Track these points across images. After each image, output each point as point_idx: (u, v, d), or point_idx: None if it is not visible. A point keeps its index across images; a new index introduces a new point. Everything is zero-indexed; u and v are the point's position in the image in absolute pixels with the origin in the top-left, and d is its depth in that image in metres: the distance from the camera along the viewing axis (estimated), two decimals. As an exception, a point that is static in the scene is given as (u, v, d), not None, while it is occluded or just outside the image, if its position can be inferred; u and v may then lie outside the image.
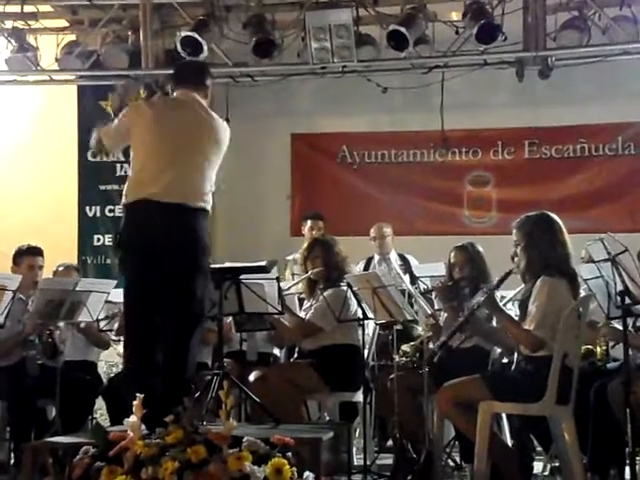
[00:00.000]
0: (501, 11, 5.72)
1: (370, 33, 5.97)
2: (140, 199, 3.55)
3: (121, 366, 5.55)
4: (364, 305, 4.51)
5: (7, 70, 6.22)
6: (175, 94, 3.77)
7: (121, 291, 4.91)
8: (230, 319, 4.81)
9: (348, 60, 5.93)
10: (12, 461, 4.65)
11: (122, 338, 5.24)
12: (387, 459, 4.63)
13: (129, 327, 3.68)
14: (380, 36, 5.86)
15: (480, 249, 4.43)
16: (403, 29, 5.61)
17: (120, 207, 6.80)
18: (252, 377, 4.52)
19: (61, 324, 4.64)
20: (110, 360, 5.81)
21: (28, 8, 6.14)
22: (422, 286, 4.93)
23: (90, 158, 6.91)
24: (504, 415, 4.05)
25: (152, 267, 3.56)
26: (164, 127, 3.59)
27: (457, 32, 5.87)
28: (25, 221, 6.75)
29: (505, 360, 4.24)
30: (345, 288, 4.59)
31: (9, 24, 6.14)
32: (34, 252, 4.90)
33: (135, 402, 2.89)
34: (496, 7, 5.73)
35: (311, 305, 4.73)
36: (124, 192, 3.66)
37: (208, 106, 3.79)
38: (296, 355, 4.83)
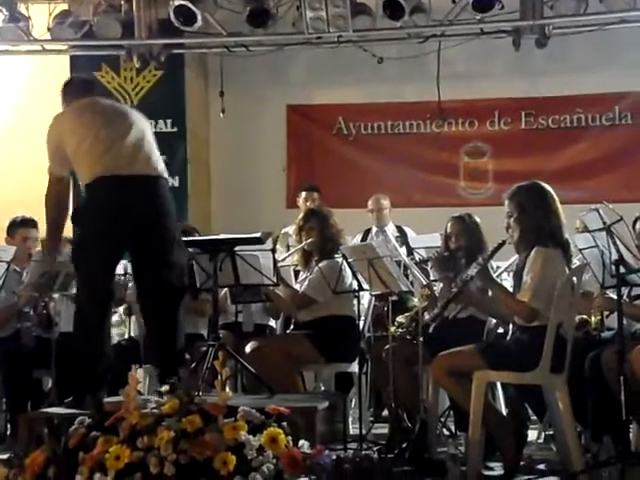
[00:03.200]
0: (498, -21, 5.66)
1: (366, 2, 5.91)
2: (97, 177, 3.61)
3: (117, 338, 5.58)
4: (359, 276, 4.51)
5: (-2, 40, 6.16)
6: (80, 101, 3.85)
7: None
8: (225, 290, 4.81)
9: (343, 30, 5.88)
10: (8, 431, 4.67)
11: (118, 309, 5.27)
12: (382, 428, 4.66)
13: (82, 299, 3.72)
14: (376, 5, 5.81)
15: (477, 220, 4.42)
16: (399, -3, 5.56)
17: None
18: (248, 348, 4.53)
19: (56, 296, 4.64)
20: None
21: (19, -24, 6.07)
22: (418, 257, 4.92)
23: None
24: (499, 384, 4.07)
25: (119, 244, 3.65)
26: (87, 118, 3.73)
27: (454, 1, 5.82)
28: (17, 193, 6.70)
29: (500, 330, 4.26)
30: (340, 260, 4.58)
31: (0, -7, 6.07)
32: (28, 224, 4.88)
33: (130, 372, 2.90)
34: (493, -25, 5.67)
35: (306, 277, 4.73)
36: (80, 179, 3.72)
37: None
38: (292, 326, 4.84)
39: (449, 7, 5.86)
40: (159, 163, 3.75)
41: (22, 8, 6.12)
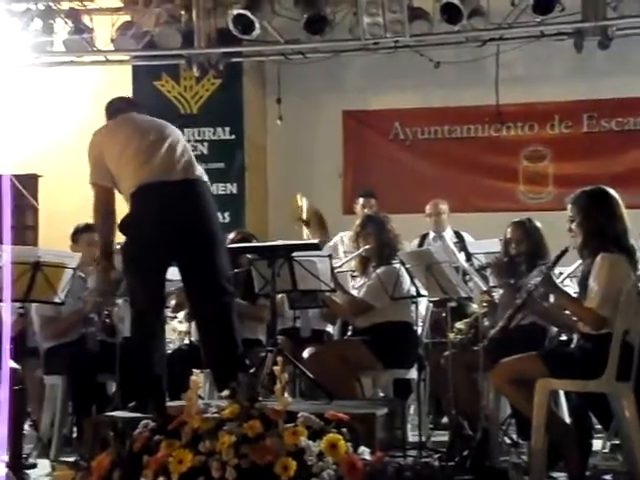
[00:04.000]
0: (558, -19, 5.58)
1: (423, 7, 5.88)
2: (140, 186, 3.68)
3: (178, 343, 5.66)
4: (417, 282, 4.48)
5: (64, 51, 6.32)
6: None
7: (177, 270, 5.03)
8: (283, 296, 4.84)
9: (400, 35, 5.86)
10: (74, 435, 4.78)
11: (178, 315, 5.36)
12: (442, 436, 4.62)
13: (135, 307, 3.80)
14: (433, 9, 5.77)
15: (538, 225, 4.36)
16: (457, 1, 5.52)
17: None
18: (306, 354, 4.54)
19: (119, 301, 4.73)
20: (167, 337, 5.88)
21: (83, -11, 6.24)
22: (477, 263, 4.87)
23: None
24: (561, 392, 3.99)
25: (165, 250, 3.70)
26: (125, 131, 3.84)
27: (513, 3, 5.75)
28: (83, 201, 6.85)
29: (563, 337, 4.18)
30: (398, 265, 4.56)
31: (65, 5, 6.23)
32: (92, 229, 4.97)
33: (192, 377, 2.94)
34: (554, -23, 5.58)
35: (363, 283, 4.72)
36: (123, 192, 3.79)
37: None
38: (349, 332, 4.84)
39: (508, 10, 5.79)
40: (198, 168, 3.82)
41: (86, 20, 6.27)
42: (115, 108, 4.06)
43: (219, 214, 4.31)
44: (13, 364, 4.21)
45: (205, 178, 3.83)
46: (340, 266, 4.84)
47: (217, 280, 3.72)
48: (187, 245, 3.70)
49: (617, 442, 3.93)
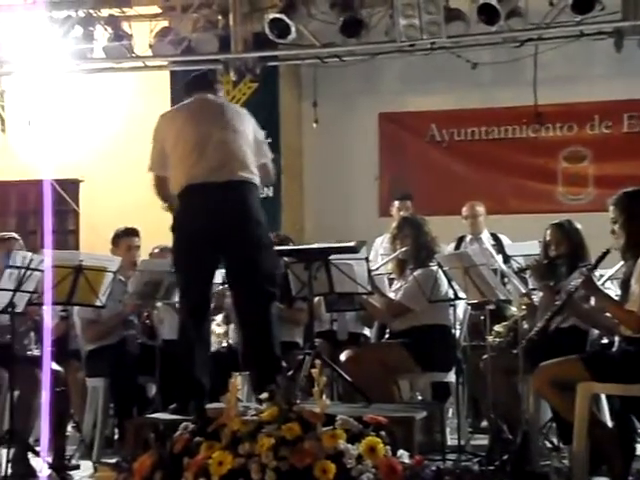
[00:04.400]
0: (598, -21, 5.49)
1: (460, 7, 5.84)
2: (186, 186, 3.68)
3: (216, 345, 5.70)
4: (455, 285, 4.46)
5: (104, 58, 6.41)
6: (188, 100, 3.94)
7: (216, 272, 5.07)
8: (320, 299, 4.85)
9: (437, 36, 5.82)
10: (116, 436, 4.85)
11: (216, 318, 5.40)
12: (481, 439, 4.59)
13: (182, 307, 3.82)
14: (470, 10, 5.72)
15: (578, 226, 4.31)
16: (494, 2, 5.47)
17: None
18: (343, 357, 4.54)
19: (159, 304, 4.78)
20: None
21: (122, -4, 6.32)
22: (515, 265, 4.83)
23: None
24: (603, 396, 3.94)
25: (212, 250, 3.69)
26: (184, 122, 3.78)
27: (551, 3, 5.68)
28: (122, 205, 6.98)
29: (604, 340, 4.12)
30: (435, 268, 4.54)
31: (105, 12, 6.32)
32: (131, 233, 5.05)
33: (231, 380, 2.96)
34: (593, -25, 5.51)
35: (401, 285, 4.71)
36: (173, 188, 3.79)
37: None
38: (387, 335, 4.83)
39: (547, 9, 5.72)
40: (248, 168, 3.72)
41: (125, 26, 6.35)
42: (189, 87, 3.99)
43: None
44: (56, 366, 4.30)
45: (255, 180, 3.74)
46: (377, 269, 4.83)
47: (259, 283, 3.70)
48: (229, 248, 3.70)
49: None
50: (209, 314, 3.90)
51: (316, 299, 4.71)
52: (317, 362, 3.19)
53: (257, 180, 3.77)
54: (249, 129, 3.83)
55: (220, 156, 3.69)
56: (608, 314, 3.74)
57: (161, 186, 3.86)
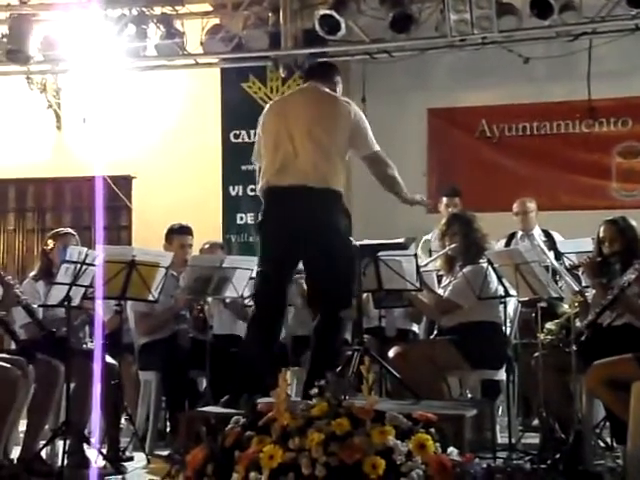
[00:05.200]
0: (656, -29, 5.37)
1: (512, 2, 5.77)
2: (266, 188, 3.70)
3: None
4: (505, 282, 4.41)
5: (156, 55, 6.50)
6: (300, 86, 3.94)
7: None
8: (368, 295, 4.84)
9: (488, 31, 5.75)
10: (168, 429, 4.92)
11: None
12: (532, 438, 4.53)
13: (258, 303, 3.81)
14: (523, 4, 5.65)
15: (632, 223, 4.22)
16: (548, -4, 5.39)
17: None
18: (391, 353, 4.54)
19: (209, 299, 4.84)
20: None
21: (175, -6, 6.39)
22: (567, 262, 4.76)
23: (232, 139, 7.14)
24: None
25: (285, 252, 3.69)
26: (276, 122, 3.74)
27: (606, -4, 5.57)
28: (174, 201, 7.08)
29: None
30: (485, 265, 4.51)
31: (158, 10, 6.41)
32: (185, 231, 5.12)
33: (280, 374, 2.98)
34: (650, -33, 5.39)
35: (450, 282, 4.68)
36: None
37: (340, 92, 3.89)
38: (435, 332, 4.81)
39: (601, 3, 5.62)
40: (326, 173, 3.64)
41: (177, 24, 6.43)
42: (307, 72, 4.01)
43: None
44: (110, 360, 4.39)
45: (334, 186, 3.65)
46: (426, 265, 4.81)
47: (327, 291, 3.66)
48: (301, 253, 3.69)
49: None
50: (283, 312, 3.85)
51: (364, 295, 4.71)
52: (366, 358, 3.19)
53: (336, 186, 3.66)
54: (343, 129, 3.69)
55: (294, 159, 3.63)
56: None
57: None
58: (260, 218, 3.81)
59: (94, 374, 4.08)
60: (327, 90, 3.82)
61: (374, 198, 7.23)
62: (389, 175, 3.87)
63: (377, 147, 3.87)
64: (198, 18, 6.44)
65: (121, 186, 7.36)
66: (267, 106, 3.92)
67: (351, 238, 3.82)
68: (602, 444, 4.18)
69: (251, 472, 2.73)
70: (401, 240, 4.10)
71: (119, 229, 7.64)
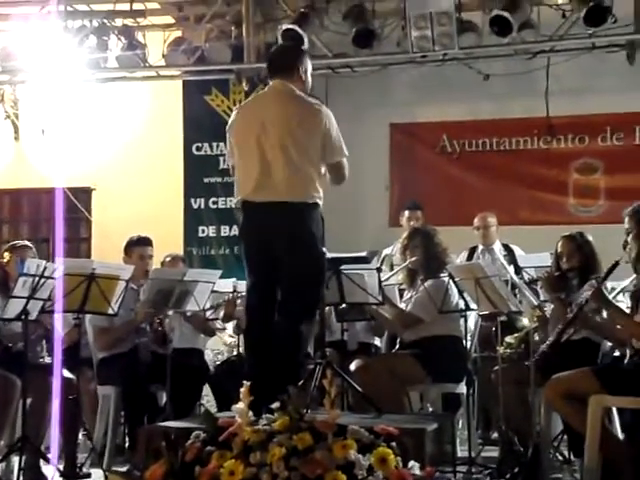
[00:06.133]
0: (611, -8, 5.50)
1: (472, 19, 5.86)
2: (241, 200, 3.68)
3: (227, 354, 5.71)
4: (466, 296, 4.46)
5: (117, 67, 6.45)
6: (268, 86, 3.80)
7: (226, 281, 5.09)
8: (331, 308, 4.85)
9: (449, 47, 5.84)
10: (127, 444, 4.85)
11: (227, 327, 5.41)
12: (492, 451, 4.56)
13: (248, 321, 3.78)
14: (483, 22, 5.74)
15: (590, 239, 4.30)
16: (507, 14, 5.48)
17: (223, 199, 7.09)
18: (353, 366, 4.54)
19: (170, 313, 4.79)
20: (216, 348, 5.96)
21: (137, 6, 6.36)
22: (527, 277, 4.82)
23: (195, 152, 7.12)
24: (614, 409, 3.92)
25: (264, 263, 3.67)
26: (246, 131, 3.64)
27: (564, 15, 5.69)
28: (134, 213, 7.02)
29: (616, 353, 4.11)
30: (446, 279, 4.54)
31: (119, 22, 6.37)
32: (144, 242, 5.07)
33: (242, 389, 2.96)
34: (606, -12, 5.51)
35: (411, 296, 4.71)
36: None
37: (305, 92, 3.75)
38: (397, 346, 4.82)
39: (559, 22, 5.73)
40: (295, 187, 3.57)
41: (139, 36, 6.40)
42: (268, 68, 3.76)
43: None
44: (68, 374, 4.32)
45: (309, 198, 3.57)
46: (388, 279, 4.84)
47: (292, 302, 3.61)
48: (277, 265, 3.63)
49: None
50: (270, 324, 3.70)
51: (327, 309, 4.71)
52: (328, 372, 3.19)
53: (311, 198, 3.60)
54: (317, 136, 3.61)
55: (265, 174, 3.56)
56: (619, 326, 3.73)
57: None
58: (239, 231, 3.80)
59: (51, 389, 4.01)
60: (297, 93, 3.70)
61: (336, 211, 7.29)
62: (340, 182, 3.88)
63: (346, 153, 3.80)
64: (160, 30, 6.42)
65: (80, 198, 7.28)
66: (235, 111, 3.85)
67: (324, 249, 3.77)
68: (560, 457, 4.22)
69: (212, 488, 2.71)
70: (364, 253, 4.12)
71: (78, 241, 7.56)
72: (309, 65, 3.82)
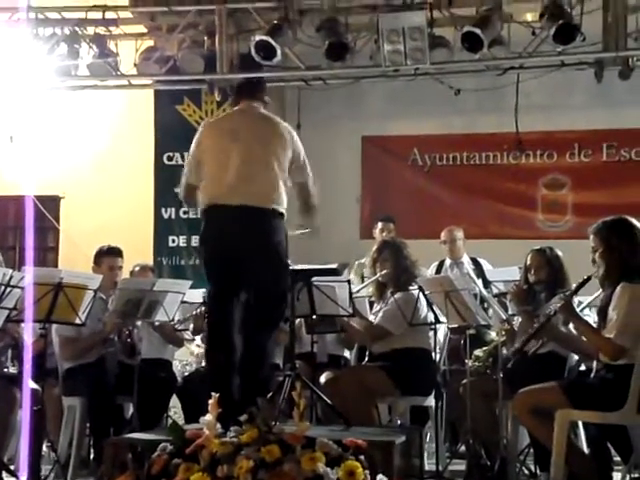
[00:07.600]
0: (580, 11, 5.59)
1: (444, 35, 5.92)
2: (208, 205, 3.67)
3: (195, 365, 5.66)
4: (435, 309, 4.48)
5: (89, 75, 6.40)
6: (237, 106, 3.91)
7: (196, 292, 5.05)
8: (301, 320, 4.84)
9: (421, 62, 5.88)
10: (92, 456, 4.78)
11: (196, 338, 5.37)
12: (459, 465, 4.58)
13: (210, 327, 3.76)
14: (454, 38, 5.79)
15: (558, 253, 4.35)
16: (478, 30, 5.54)
17: (194, 209, 7.05)
18: (323, 379, 4.54)
19: (138, 323, 4.75)
20: (184, 359, 5.91)
21: (109, 15, 6.32)
22: (495, 290, 4.86)
23: (166, 161, 7.08)
24: (580, 423, 3.96)
25: (227, 270, 3.65)
26: (222, 139, 3.72)
27: (534, 33, 5.76)
28: (104, 222, 6.95)
29: (583, 367, 4.15)
30: (416, 291, 4.56)
31: (91, 30, 6.33)
32: (114, 253, 5.02)
33: (210, 401, 2.94)
34: (575, 7, 5.60)
35: (381, 308, 4.72)
36: (199, 201, 3.77)
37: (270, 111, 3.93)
38: (367, 358, 4.83)
39: (529, 39, 5.81)
40: (269, 194, 3.65)
41: (111, 45, 6.35)
42: (236, 93, 3.94)
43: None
44: (33, 384, 4.24)
45: (278, 206, 3.65)
46: (358, 291, 4.84)
47: (258, 310, 3.62)
48: (243, 272, 3.64)
49: (637, 476, 3.88)
50: (231, 332, 3.69)
51: (297, 320, 4.70)
52: (297, 384, 3.18)
53: (280, 207, 3.67)
54: (286, 151, 3.74)
55: (236, 179, 3.62)
56: (585, 339, 3.77)
57: (191, 196, 3.84)
58: (200, 238, 3.78)
59: (16, 400, 3.94)
60: (266, 113, 3.87)
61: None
62: (311, 204, 3.95)
63: (310, 174, 3.90)
64: (132, 39, 6.38)
65: (48, 206, 7.19)
66: (203, 124, 3.91)
67: (289, 260, 3.80)
68: (526, 471, 4.25)
69: (178, 501, 2.68)
70: (334, 266, 4.12)
71: (45, 250, 7.46)
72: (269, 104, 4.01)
